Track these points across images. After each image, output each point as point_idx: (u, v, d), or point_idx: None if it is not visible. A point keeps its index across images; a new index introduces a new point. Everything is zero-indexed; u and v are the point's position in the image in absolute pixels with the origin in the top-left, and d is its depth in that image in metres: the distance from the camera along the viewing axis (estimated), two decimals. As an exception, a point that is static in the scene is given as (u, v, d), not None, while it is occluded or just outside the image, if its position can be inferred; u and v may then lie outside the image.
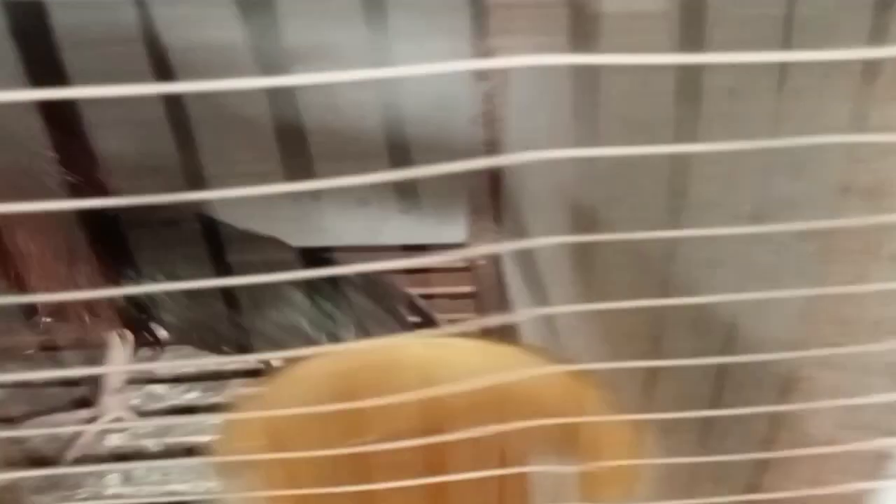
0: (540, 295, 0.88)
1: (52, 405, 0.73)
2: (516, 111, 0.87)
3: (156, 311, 0.67)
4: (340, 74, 0.19)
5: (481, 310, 0.88)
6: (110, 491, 0.66)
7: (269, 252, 0.70)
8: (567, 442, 0.46)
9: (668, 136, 0.57)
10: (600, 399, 0.50)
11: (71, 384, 0.75)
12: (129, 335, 0.71)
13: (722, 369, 0.62)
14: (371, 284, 0.74)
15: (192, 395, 0.76)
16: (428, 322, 0.78)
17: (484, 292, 0.91)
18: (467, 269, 0.96)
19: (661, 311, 0.42)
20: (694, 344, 0.66)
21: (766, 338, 0.60)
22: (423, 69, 0.19)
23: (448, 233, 0.99)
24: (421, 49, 0.78)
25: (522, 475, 0.56)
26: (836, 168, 0.57)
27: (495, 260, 0.98)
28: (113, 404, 0.72)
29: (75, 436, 0.70)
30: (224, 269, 0.61)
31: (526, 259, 0.91)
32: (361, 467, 0.52)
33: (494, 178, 0.94)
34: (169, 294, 0.66)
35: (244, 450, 0.47)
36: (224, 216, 0.69)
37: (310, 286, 0.69)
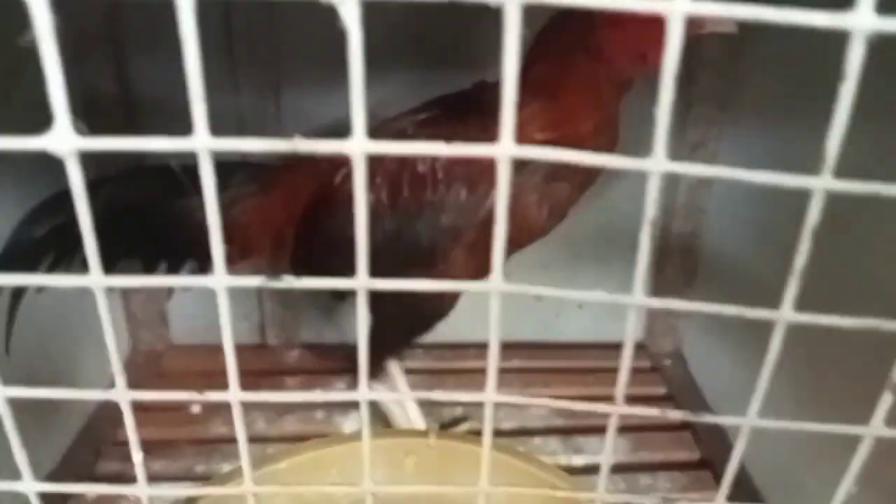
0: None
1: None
2: (719, 203, 0.83)
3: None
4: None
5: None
6: None
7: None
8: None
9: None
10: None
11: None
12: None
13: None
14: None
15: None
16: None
17: (676, 393, 0.84)
18: (654, 370, 0.89)
19: None
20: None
21: None
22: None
23: (623, 329, 0.94)
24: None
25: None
26: None
27: (678, 357, 0.91)
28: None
29: None
30: None
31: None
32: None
33: (686, 273, 0.88)
34: None
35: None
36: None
37: None
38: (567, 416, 0.78)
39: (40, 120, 0.17)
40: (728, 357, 0.78)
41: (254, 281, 0.18)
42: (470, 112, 0.60)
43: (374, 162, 0.61)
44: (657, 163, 0.16)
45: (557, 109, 0.57)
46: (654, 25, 0.52)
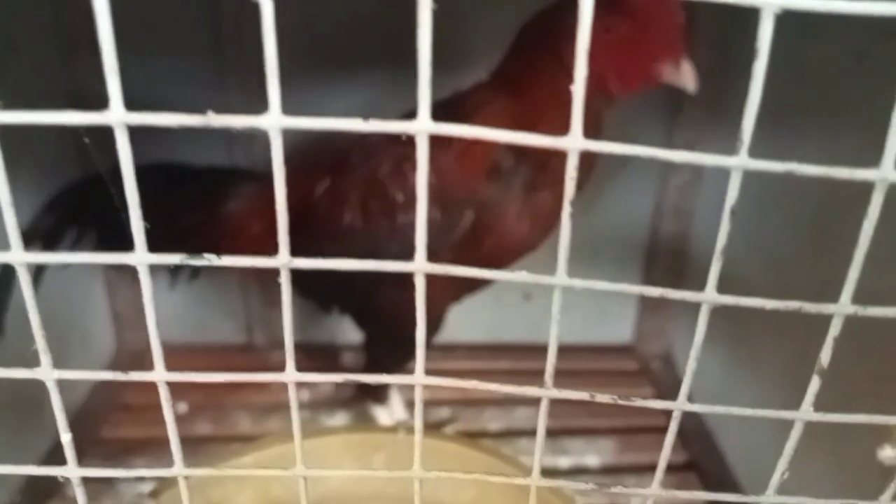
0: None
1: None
2: (708, 205, 0.83)
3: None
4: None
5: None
6: None
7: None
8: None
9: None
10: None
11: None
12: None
13: None
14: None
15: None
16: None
17: (663, 395, 0.84)
18: (643, 372, 0.90)
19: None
20: None
21: None
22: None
23: (614, 332, 0.94)
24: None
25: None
26: None
27: (667, 360, 0.92)
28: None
29: None
30: None
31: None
32: None
33: (675, 274, 0.89)
34: None
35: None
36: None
37: None
38: (554, 417, 0.78)
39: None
40: (717, 360, 0.78)
41: (174, 258, 0.19)
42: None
43: (349, 183, 0.62)
44: (574, 141, 0.17)
45: (525, 110, 0.55)
46: (610, 49, 0.52)
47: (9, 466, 0.22)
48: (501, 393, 0.82)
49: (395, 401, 0.74)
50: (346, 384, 0.81)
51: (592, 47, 0.16)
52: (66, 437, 0.22)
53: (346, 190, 0.61)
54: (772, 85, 0.17)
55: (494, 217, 0.57)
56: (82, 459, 0.46)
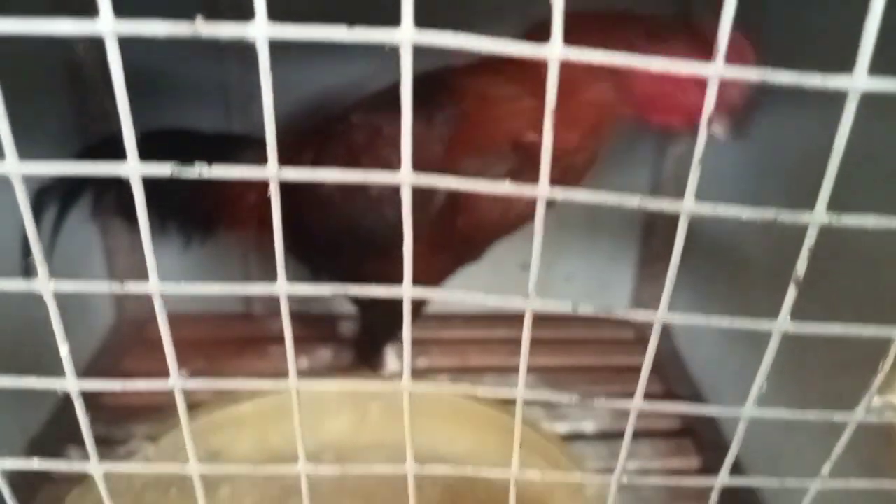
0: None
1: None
2: (707, 176, 0.83)
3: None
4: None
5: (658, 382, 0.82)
6: None
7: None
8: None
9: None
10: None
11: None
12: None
13: None
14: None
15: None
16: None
17: (659, 364, 0.85)
18: (639, 342, 0.91)
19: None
20: None
21: None
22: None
23: (612, 302, 0.95)
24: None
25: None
26: None
27: (664, 329, 0.93)
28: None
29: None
30: None
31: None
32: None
33: (671, 240, 0.89)
34: None
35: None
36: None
37: None
38: (553, 384, 0.79)
39: None
40: (715, 330, 0.79)
41: (165, 169, 0.19)
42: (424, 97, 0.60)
43: (329, 155, 0.62)
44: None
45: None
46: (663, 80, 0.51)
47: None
48: (499, 362, 0.83)
49: (392, 366, 0.75)
50: (343, 352, 0.83)
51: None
52: (63, 350, 0.22)
53: (327, 162, 0.62)
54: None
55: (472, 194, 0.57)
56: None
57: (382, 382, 0.58)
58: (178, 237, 0.69)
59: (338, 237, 0.64)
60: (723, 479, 0.18)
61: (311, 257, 0.69)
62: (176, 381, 0.23)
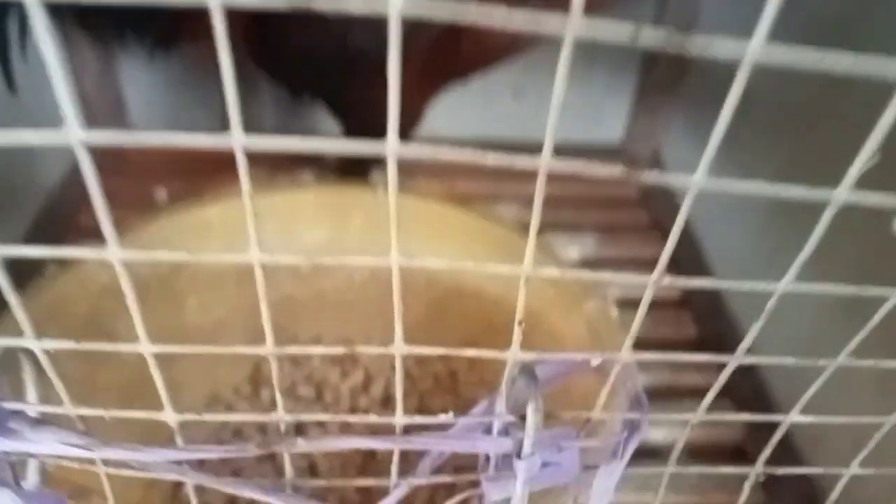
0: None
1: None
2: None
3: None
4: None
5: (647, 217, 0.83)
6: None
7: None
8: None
9: None
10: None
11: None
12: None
13: None
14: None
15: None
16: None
17: (648, 196, 0.86)
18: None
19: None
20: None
21: None
22: None
23: (605, 132, 0.94)
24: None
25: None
26: None
27: (655, 162, 0.92)
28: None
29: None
30: None
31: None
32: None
33: (675, 74, 0.86)
34: None
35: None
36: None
37: None
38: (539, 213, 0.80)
39: None
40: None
41: None
42: None
43: None
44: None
45: None
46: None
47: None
48: (487, 189, 0.82)
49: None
50: (326, 174, 0.82)
51: None
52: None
53: None
54: None
55: None
56: (62, 242, 0.47)
57: (362, 192, 0.55)
58: (137, 48, 0.65)
59: (325, 57, 0.61)
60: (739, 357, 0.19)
61: (293, 79, 0.66)
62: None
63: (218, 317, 0.53)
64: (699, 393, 0.22)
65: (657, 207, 0.84)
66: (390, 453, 0.21)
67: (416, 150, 0.13)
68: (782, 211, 0.61)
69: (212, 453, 0.20)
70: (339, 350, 0.18)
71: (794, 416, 0.22)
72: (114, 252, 0.16)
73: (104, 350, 0.17)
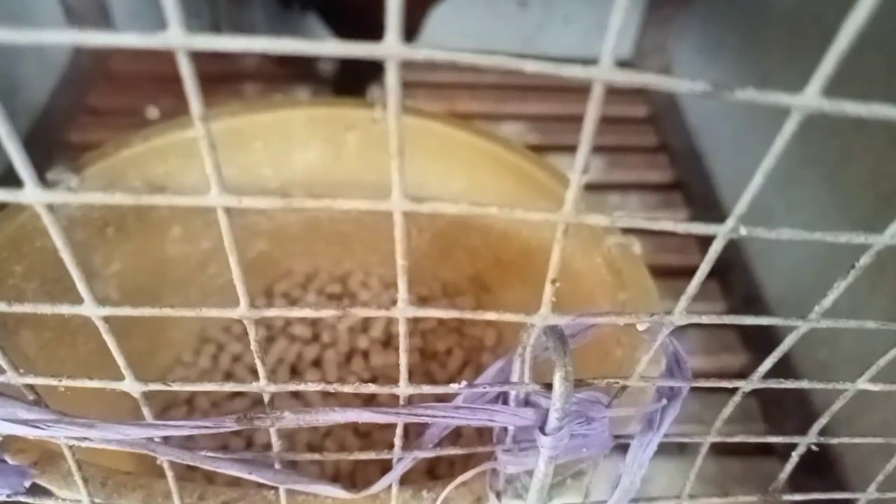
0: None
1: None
2: None
3: None
4: None
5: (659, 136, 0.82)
6: None
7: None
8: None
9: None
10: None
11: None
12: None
13: None
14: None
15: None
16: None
17: (657, 114, 0.84)
18: (638, 91, 0.88)
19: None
20: None
21: None
22: None
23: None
24: None
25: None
26: None
27: (665, 72, 0.90)
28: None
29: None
30: None
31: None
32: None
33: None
34: None
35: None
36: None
37: None
38: (542, 132, 0.78)
39: None
40: (721, 74, 0.77)
41: None
42: None
43: None
44: None
45: None
46: None
47: None
48: (488, 108, 0.80)
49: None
50: (323, 92, 0.80)
51: None
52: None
53: None
54: None
55: None
56: (49, 162, 0.46)
57: (357, 109, 0.49)
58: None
59: None
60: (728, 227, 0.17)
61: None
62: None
63: (206, 247, 0.50)
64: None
65: (666, 128, 0.83)
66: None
67: (422, 53, 0.11)
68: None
69: (180, 429, 0.17)
70: (329, 313, 0.15)
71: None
72: (32, 194, 0.12)
73: (48, 312, 0.14)
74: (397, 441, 0.19)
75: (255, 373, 0.51)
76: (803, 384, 0.19)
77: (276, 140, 0.49)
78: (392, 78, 0.11)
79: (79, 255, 0.13)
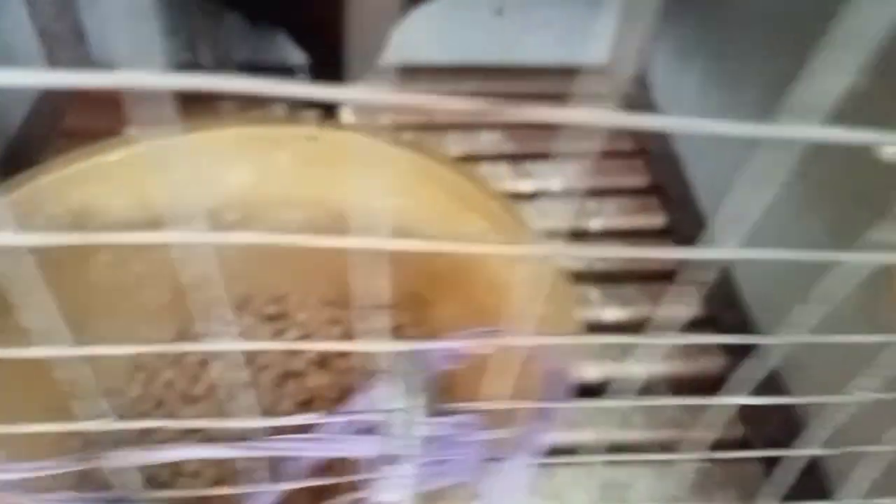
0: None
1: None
2: None
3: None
4: None
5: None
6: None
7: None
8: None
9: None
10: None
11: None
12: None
13: None
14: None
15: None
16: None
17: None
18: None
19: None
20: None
21: None
22: None
23: (590, 52, 0.93)
24: None
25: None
26: None
27: (642, 83, 0.92)
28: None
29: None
30: None
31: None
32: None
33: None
34: None
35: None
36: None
37: None
38: (518, 140, 0.80)
39: None
40: (694, 84, 0.79)
41: None
42: None
43: None
44: None
45: None
46: None
47: None
48: (465, 116, 0.81)
49: (348, 120, 0.74)
50: (299, 107, 0.81)
51: None
52: None
53: None
54: None
55: None
56: (48, 150, 0.44)
57: (289, 127, 0.49)
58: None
59: None
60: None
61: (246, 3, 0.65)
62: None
63: (139, 271, 0.49)
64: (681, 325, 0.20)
65: (642, 132, 0.84)
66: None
67: (379, 98, 0.11)
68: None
69: (14, 472, 0.17)
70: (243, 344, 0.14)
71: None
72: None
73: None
74: (256, 474, 0.19)
75: (186, 400, 0.51)
76: (787, 399, 0.20)
77: (205, 160, 0.49)
78: (347, 117, 0.12)
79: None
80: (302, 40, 0.69)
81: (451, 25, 0.89)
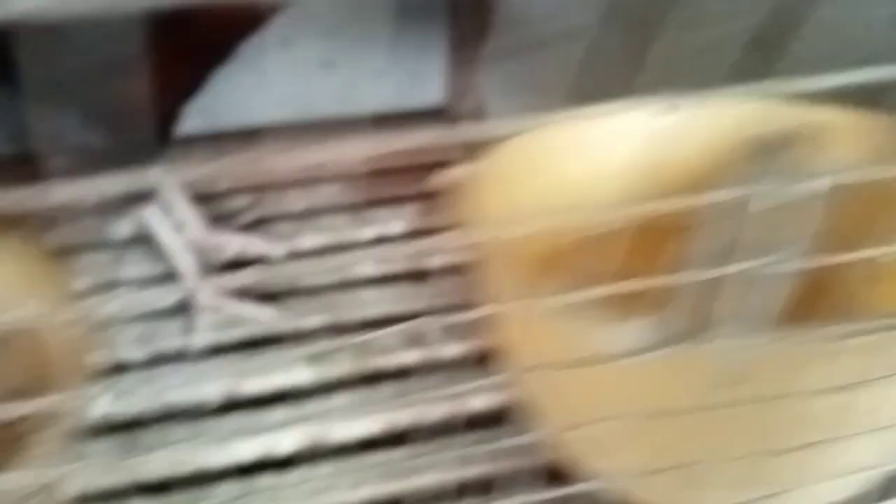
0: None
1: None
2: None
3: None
4: None
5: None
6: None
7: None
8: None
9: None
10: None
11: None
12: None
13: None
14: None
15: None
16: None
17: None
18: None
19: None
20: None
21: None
22: None
23: (427, 95, 0.93)
24: None
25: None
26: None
27: (478, 118, 0.93)
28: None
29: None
30: None
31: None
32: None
33: (480, 23, 0.87)
34: None
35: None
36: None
37: None
38: (359, 189, 0.80)
39: None
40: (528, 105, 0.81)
41: None
42: None
43: None
44: None
45: None
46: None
47: None
48: (304, 173, 0.79)
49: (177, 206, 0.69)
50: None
51: None
52: None
53: None
54: None
55: None
56: None
57: None
58: None
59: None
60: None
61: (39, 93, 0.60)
62: None
63: None
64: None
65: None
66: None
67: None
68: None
69: None
70: None
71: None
72: None
73: None
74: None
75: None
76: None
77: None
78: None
79: None
80: (102, 119, 0.64)
81: (280, 83, 0.87)
